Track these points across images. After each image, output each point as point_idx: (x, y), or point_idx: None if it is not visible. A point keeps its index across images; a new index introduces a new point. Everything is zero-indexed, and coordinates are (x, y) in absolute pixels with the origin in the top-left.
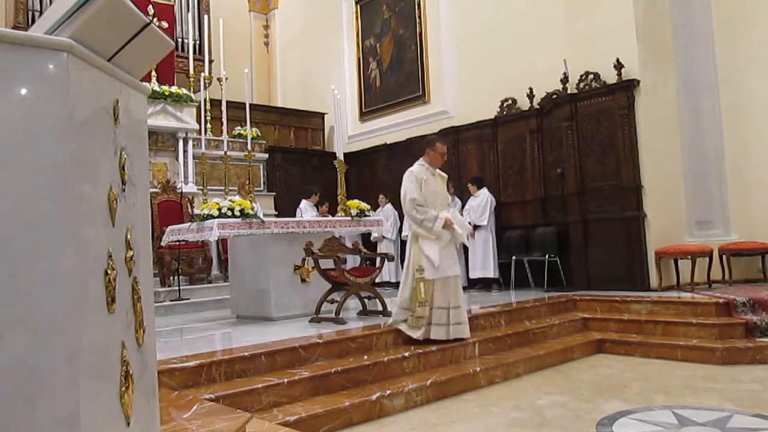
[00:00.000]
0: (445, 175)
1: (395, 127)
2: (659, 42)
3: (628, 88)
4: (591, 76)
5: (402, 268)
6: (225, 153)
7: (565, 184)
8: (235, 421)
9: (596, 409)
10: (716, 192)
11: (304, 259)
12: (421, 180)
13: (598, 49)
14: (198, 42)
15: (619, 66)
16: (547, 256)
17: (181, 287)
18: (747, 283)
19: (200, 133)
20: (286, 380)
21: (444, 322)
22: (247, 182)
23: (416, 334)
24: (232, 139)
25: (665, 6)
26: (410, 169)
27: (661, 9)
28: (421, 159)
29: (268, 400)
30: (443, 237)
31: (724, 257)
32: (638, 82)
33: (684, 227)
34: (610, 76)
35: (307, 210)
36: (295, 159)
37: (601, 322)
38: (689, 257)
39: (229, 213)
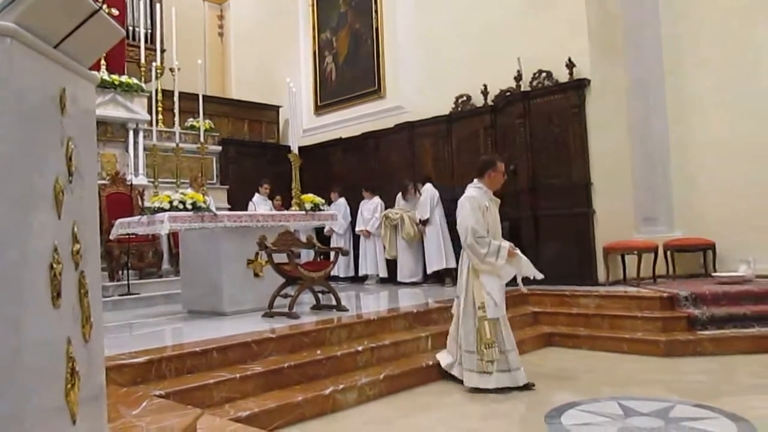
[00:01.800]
0: (498, 200)
1: (350, 121)
2: (610, 42)
3: (579, 87)
4: (544, 75)
5: (358, 266)
6: (177, 145)
7: (518, 180)
8: (186, 417)
9: (546, 402)
10: (662, 189)
11: (257, 254)
12: (483, 208)
13: (550, 48)
14: (150, 31)
15: (570, 65)
16: None
17: (131, 281)
18: (690, 278)
19: (151, 125)
20: (238, 375)
21: (504, 369)
22: (200, 175)
23: (489, 383)
24: (185, 131)
25: (616, 7)
26: (469, 194)
27: (613, 10)
28: (476, 181)
29: (220, 395)
30: (508, 273)
31: (668, 253)
32: (589, 81)
33: (631, 223)
34: (562, 75)
35: (260, 204)
36: (249, 152)
37: (551, 316)
38: (635, 253)
39: (181, 206)
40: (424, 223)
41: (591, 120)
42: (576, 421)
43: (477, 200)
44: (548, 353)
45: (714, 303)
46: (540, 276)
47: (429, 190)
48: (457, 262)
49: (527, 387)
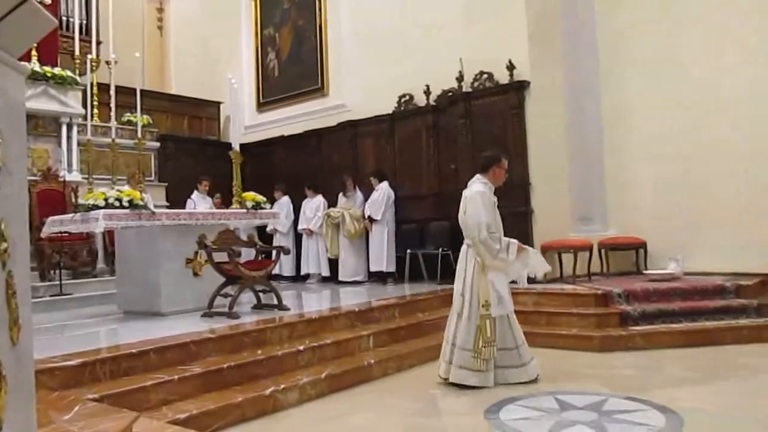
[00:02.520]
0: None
1: (293, 119)
2: (549, 46)
3: (519, 88)
4: (485, 76)
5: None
6: (113, 140)
7: (459, 179)
8: (121, 421)
9: (485, 397)
10: (597, 189)
11: (196, 252)
12: (493, 203)
13: (491, 50)
14: (85, 22)
15: (511, 67)
16: (440, 250)
17: (63, 281)
18: (623, 276)
19: (86, 119)
20: (176, 377)
21: (517, 364)
22: (137, 172)
23: (484, 381)
24: (121, 126)
25: (555, 12)
26: (479, 189)
27: (552, 15)
28: (481, 176)
29: (158, 398)
30: (515, 269)
31: (602, 251)
32: (528, 83)
33: (568, 223)
34: (502, 77)
35: (199, 201)
36: (188, 149)
37: None
38: (572, 251)
39: (117, 203)
40: (372, 220)
41: (530, 121)
42: (514, 416)
43: (487, 195)
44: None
45: (645, 299)
46: (547, 268)
47: (385, 190)
48: (396, 265)
49: (536, 380)
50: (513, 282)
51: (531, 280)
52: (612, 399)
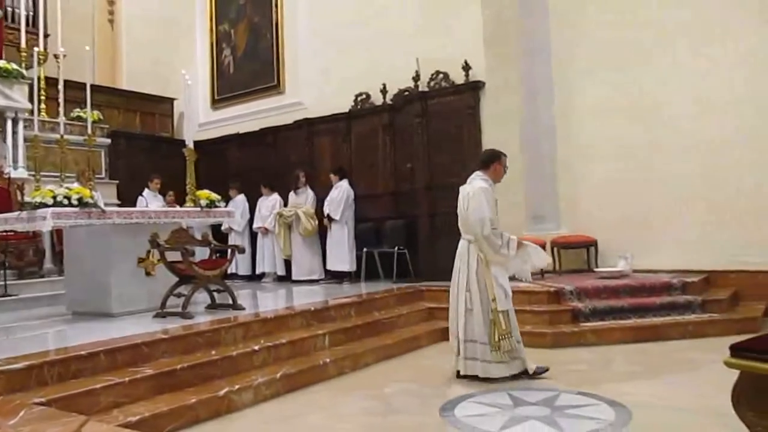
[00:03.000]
0: None
1: (249, 116)
2: (504, 48)
3: (474, 89)
4: (441, 76)
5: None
6: (62, 136)
7: (415, 178)
8: (69, 425)
9: (440, 394)
10: (550, 189)
11: (149, 251)
12: (495, 200)
13: (448, 51)
14: (32, 13)
15: (467, 68)
16: (396, 249)
17: (8, 282)
18: (574, 273)
19: (33, 114)
20: (127, 379)
21: (524, 355)
22: (87, 169)
23: (505, 372)
24: (70, 122)
25: (511, 14)
26: (481, 185)
27: (507, 18)
28: (482, 173)
29: (108, 401)
30: (515, 265)
31: (555, 249)
32: (484, 83)
33: (522, 221)
34: (458, 77)
35: (151, 200)
36: (141, 146)
37: (446, 311)
38: None
39: (66, 201)
40: (331, 219)
41: (485, 121)
42: (469, 413)
43: (489, 192)
44: (444, 347)
45: (596, 296)
46: (549, 260)
47: (345, 188)
48: (357, 263)
49: (527, 373)
50: (513, 278)
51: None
52: (564, 394)
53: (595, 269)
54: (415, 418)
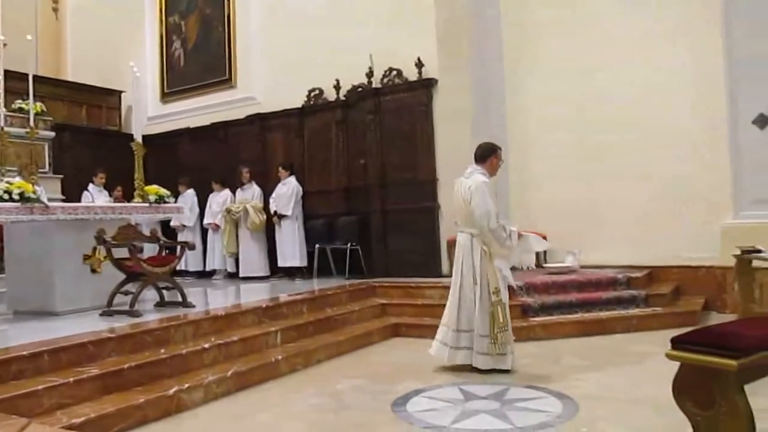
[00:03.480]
0: None
1: (199, 110)
2: (457, 46)
3: (427, 86)
4: (394, 73)
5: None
6: (2, 129)
7: (368, 175)
8: (10, 428)
9: (392, 390)
10: (501, 186)
11: (95, 248)
12: (494, 192)
13: (401, 48)
14: None
15: (419, 65)
16: (349, 245)
17: None
18: (524, 269)
19: None
20: (72, 380)
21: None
22: (30, 163)
23: (507, 364)
24: (11, 114)
25: (464, 13)
26: (481, 179)
27: (461, 18)
28: (479, 167)
29: (51, 402)
30: (516, 254)
31: None
32: (437, 81)
33: None
34: (411, 74)
35: (97, 195)
36: (86, 139)
37: (398, 307)
38: None
39: (6, 196)
40: (281, 217)
41: (437, 119)
42: (420, 408)
43: (490, 185)
44: (395, 343)
45: (545, 291)
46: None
47: (294, 184)
48: (309, 259)
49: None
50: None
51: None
52: (513, 388)
53: (544, 265)
54: (367, 414)
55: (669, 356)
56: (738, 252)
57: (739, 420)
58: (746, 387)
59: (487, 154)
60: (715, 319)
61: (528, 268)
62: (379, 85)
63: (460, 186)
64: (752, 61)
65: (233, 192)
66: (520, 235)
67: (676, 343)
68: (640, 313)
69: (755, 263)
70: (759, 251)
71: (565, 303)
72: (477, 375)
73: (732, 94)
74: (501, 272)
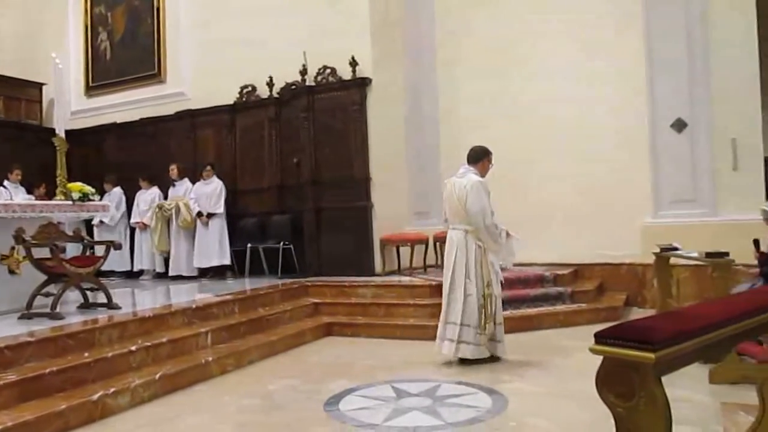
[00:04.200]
0: None
1: (127, 105)
2: (391, 46)
3: (361, 85)
4: (328, 71)
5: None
6: None
7: (301, 173)
8: None
9: (324, 390)
10: (433, 185)
11: (13, 248)
12: (488, 192)
13: (335, 46)
14: None
15: (353, 64)
16: (281, 244)
17: None
18: None
19: None
20: None
21: (503, 339)
22: None
23: (483, 354)
24: None
25: (399, 15)
26: (478, 179)
27: (395, 17)
28: (473, 168)
29: None
30: (503, 253)
31: (437, 244)
32: (370, 80)
33: (405, 217)
34: (345, 73)
35: (15, 192)
36: (4, 133)
37: (331, 306)
38: (409, 244)
39: None
40: (210, 216)
41: (371, 118)
42: (353, 406)
43: (486, 185)
44: (328, 342)
45: None
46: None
47: (220, 183)
48: (235, 259)
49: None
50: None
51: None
52: (444, 384)
53: None
54: (299, 414)
55: (592, 350)
56: (657, 250)
57: (657, 410)
58: (663, 378)
59: (480, 157)
60: (636, 314)
61: (508, 267)
62: (313, 83)
63: (453, 185)
64: (671, 65)
65: (162, 190)
66: (508, 235)
67: (599, 337)
68: (566, 310)
69: (672, 260)
70: (676, 249)
71: None
72: (410, 373)
73: (652, 98)
74: (493, 266)
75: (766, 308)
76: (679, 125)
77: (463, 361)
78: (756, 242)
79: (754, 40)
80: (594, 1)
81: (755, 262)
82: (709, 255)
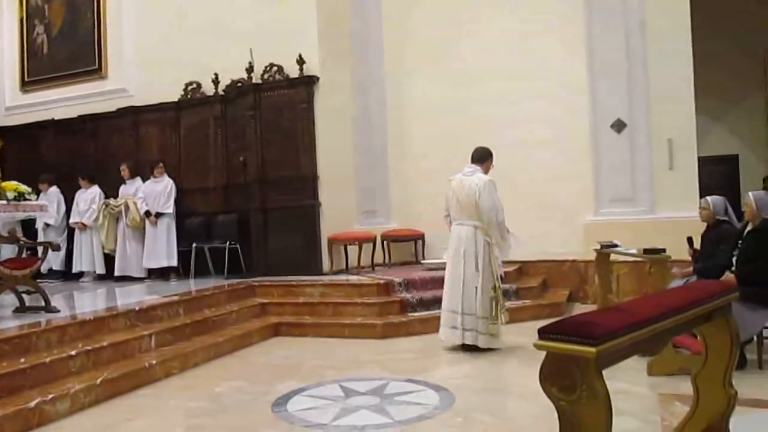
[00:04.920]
0: None
1: (66, 101)
2: (338, 44)
3: (308, 83)
4: (275, 69)
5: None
6: None
7: (248, 172)
8: None
9: (272, 391)
10: (380, 184)
11: None
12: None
13: (282, 44)
14: None
15: (301, 62)
16: (228, 243)
17: None
18: (403, 265)
19: None
20: None
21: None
22: None
23: (500, 344)
24: None
25: (345, 13)
26: (488, 178)
27: (342, 15)
28: (479, 167)
29: None
30: (505, 249)
31: (385, 243)
32: (318, 78)
33: (353, 215)
34: (292, 71)
35: None
36: None
37: (278, 306)
38: (357, 243)
39: None
40: (159, 215)
41: (318, 116)
42: (301, 407)
43: (494, 183)
44: (276, 343)
45: (422, 287)
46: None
47: (170, 182)
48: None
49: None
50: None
51: None
52: (392, 382)
53: (422, 261)
54: (247, 415)
55: (536, 346)
56: (598, 247)
57: (598, 402)
58: (604, 371)
59: (484, 157)
60: (578, 309)
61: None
62: (260, 81)
63: (460, 182)
64: (610, 66)
65: (103, 188)
66: (508, 231)
67: (542, 333)
68: (512, 306)
69: (613, 257)
70: (616, 245)
71: (441, 298)
72: (358, 371)
73: (593, 98)
74: (498, 261)
75: (700, 302)
76: (619, 126)
77: (468, 348)
78: (689, 240)
79: (688, 45)
80: (536, 3)
81: (689, 258)
82: (646, 251)
